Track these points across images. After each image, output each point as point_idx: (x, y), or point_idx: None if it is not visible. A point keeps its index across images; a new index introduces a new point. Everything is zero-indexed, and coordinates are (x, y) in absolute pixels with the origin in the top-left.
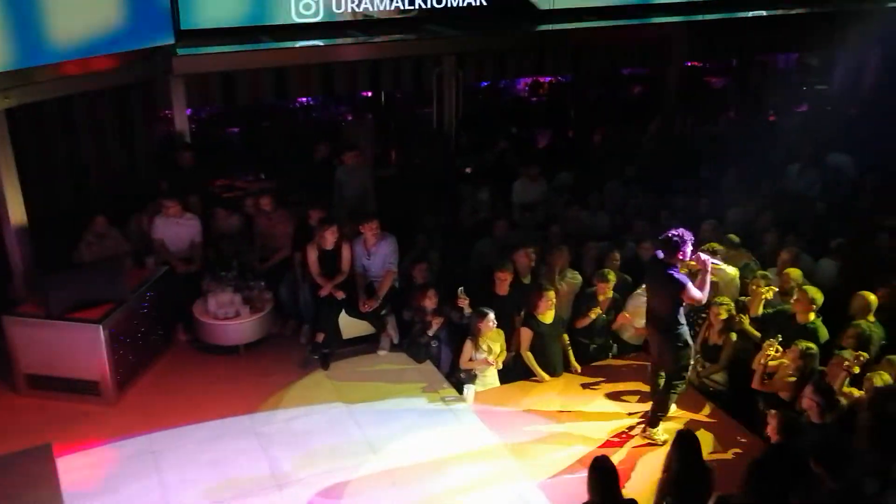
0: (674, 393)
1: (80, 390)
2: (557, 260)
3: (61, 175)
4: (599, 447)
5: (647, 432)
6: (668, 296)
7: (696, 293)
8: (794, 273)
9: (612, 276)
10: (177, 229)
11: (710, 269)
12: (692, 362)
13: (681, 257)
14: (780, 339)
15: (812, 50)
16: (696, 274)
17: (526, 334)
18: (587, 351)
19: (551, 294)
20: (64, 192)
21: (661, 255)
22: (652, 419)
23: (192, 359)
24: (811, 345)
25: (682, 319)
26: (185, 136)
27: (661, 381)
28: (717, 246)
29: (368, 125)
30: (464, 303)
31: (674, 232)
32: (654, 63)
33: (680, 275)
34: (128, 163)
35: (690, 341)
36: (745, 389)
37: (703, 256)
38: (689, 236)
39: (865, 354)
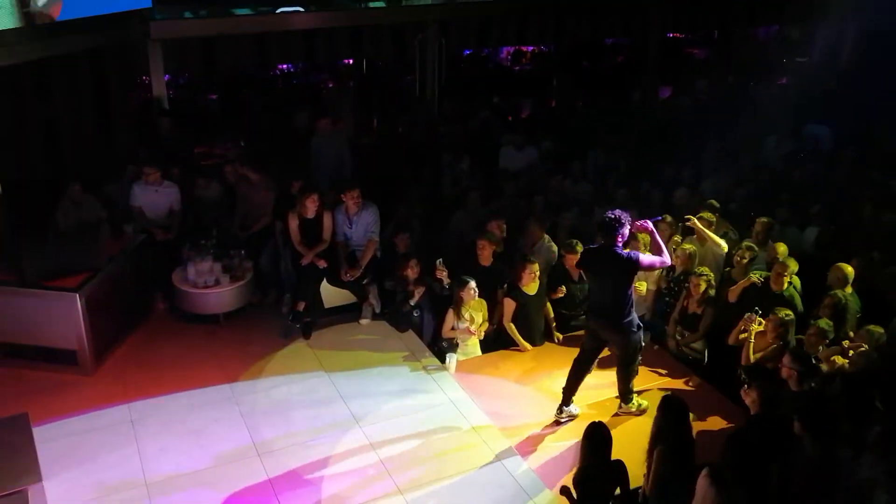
0: (632, 374)
1: (58, 360)
2: (530, 231)
3: (35, 141)
4: (580, 415)
5: (623, 408)
6: (621, 278)
7: (656, 258)
8: (781, 248)
9: (579, 247)
10: (155, 197)
11: (653, 229)
12: (644, 343)
13: (620, 240)
14: (759, 312)
15: (792, 22)
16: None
17: (510, 305)
18: (568, 322)
19: (535, 266)
20: (38, 158)
21: (593, 245)
22: (623, 397)
23: (172, 328)
24: (789, 312)
25: (633, 303)
26: (162, 102)
27: (581, 371)
28: (709, 215)
29: (349, 93)
30: (442, 274)
31: (609, 214)
32: (635, 33)
33: (628, 251)
34: (104, 129)
35: (641, 323)
36: (724, 358)
37: (643, 222)
38: (626, 218)
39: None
